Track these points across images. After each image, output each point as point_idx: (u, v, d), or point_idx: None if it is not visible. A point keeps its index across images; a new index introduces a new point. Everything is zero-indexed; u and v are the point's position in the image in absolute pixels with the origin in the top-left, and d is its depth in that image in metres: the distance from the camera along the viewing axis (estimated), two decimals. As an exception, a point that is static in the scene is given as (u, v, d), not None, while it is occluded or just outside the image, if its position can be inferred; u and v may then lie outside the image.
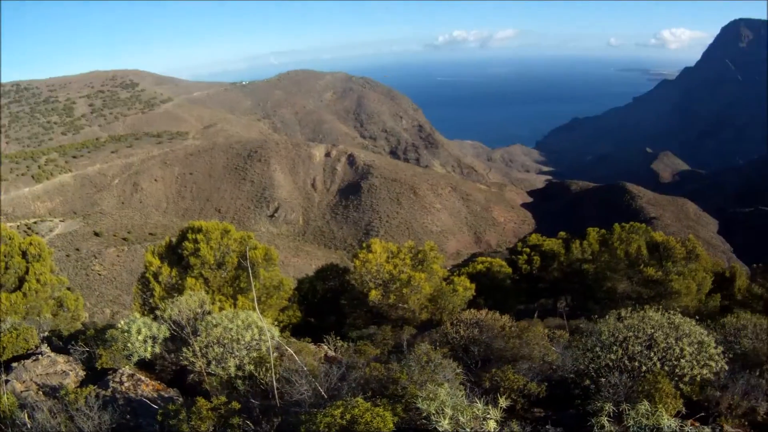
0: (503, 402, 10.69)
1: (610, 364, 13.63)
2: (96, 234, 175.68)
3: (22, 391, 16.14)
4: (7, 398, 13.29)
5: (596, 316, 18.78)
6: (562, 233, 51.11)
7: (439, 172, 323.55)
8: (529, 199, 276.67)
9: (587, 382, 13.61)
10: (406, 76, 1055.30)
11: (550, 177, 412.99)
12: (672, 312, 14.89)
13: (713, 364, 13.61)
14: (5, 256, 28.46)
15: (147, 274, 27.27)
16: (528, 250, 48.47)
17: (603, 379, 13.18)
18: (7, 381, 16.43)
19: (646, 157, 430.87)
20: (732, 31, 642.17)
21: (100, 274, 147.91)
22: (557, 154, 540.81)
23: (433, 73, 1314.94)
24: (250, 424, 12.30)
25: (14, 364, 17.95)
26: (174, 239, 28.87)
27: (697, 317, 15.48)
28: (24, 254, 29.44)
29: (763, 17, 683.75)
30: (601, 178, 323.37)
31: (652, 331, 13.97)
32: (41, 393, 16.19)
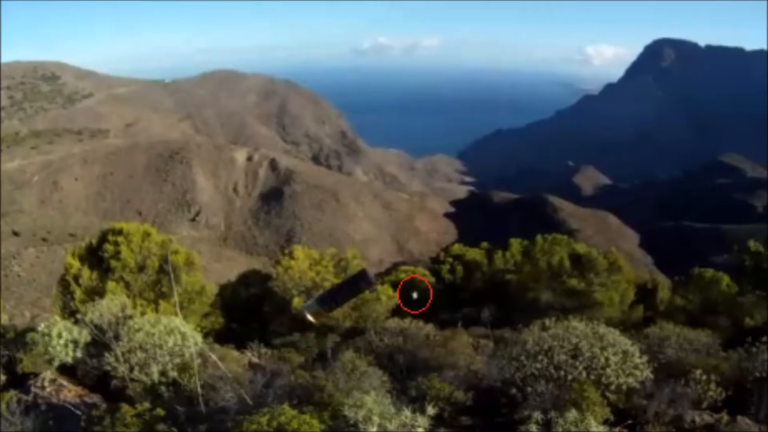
0: (431, 410, 10.75)
1: (536, 372, 13.75)
2: (15, 233, 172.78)
3: (-64, 396, 15.69)
4: None
5: (520, 325, 18.96)
6: (484, 244, 51.54)
7: (361, 180, 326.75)
8: (452, 210, 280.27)
9: (514, 390, 13.70)
10: (331, 81, 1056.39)
11: (472, 188, 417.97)
12: (596, 322, 15.10)
13: (638, 373, 13.81)
14: None
15: (67, 277, 26.89)
16: (451, 259, 48.59)
17: (529, 388, 13.29)
18: None
19: (568, 170, 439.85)
20: (655, 50, 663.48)
21: (19, 276, 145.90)
22: (480, 165, 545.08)
23: (357, 78, 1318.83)
24: (176, 431, 12.19)
25: (-74, 368, 17.52)
26: (94, 241, 28.46)
27: (621, 328, 15.79)
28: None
29: (686, 38, 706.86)
30: (524, 190, 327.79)
31: (577, 340, 14.11)
32: (-41, 398, 15.78)
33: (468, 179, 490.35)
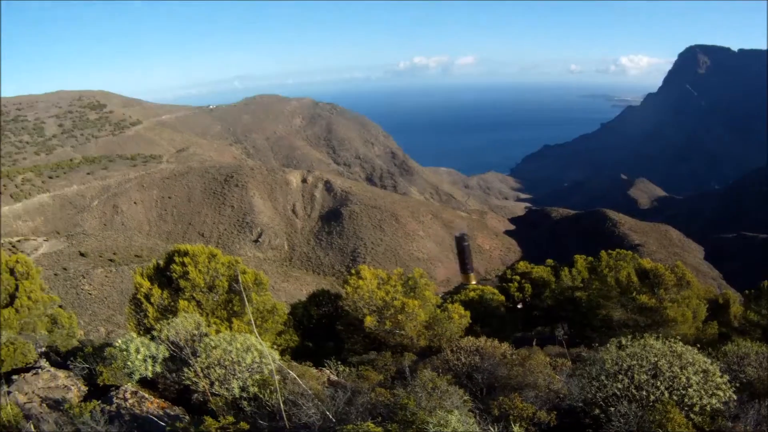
0: (518, 430, 10.65)
1: (618, 393, 13.47)
2: (81, 254, 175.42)
3: (24, 403, 16.14)
4: (11, 408, 13.21)
5: (596, 344, 18.65)
6: (549, 261, 51.17)
7: (417, 199, 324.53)
8: (512, 227, 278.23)
9: (597, 411, 13.42)
10: (371, 103, 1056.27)
11: (528, 204, 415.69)
12: (672, 340, 14.81)
13: (721, 393, 13.45)
14: (-7, 273, 28.34)
15: (138, 295, 26.81)
16: (518, 277, 48.23)
17: (612, 409, 13.04)
18: (9, 392, 16.42)
19: (622, 183, 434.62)
20: (689, 57, 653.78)
21: (90, 294, 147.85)
22: (532, 181, 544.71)
23: (397, 100, 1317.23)
24: None
25: (14, 377, 18.03)
26: (161, 262, 28.52)
27: (697, 345, 15.38)
28: (12, 272, 29.32)
29: (718, 43, 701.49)
30: (578, 205, 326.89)
31: (656, 359, 13.80)
32: (44, 405, 16.21)
33: (523, 195, 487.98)
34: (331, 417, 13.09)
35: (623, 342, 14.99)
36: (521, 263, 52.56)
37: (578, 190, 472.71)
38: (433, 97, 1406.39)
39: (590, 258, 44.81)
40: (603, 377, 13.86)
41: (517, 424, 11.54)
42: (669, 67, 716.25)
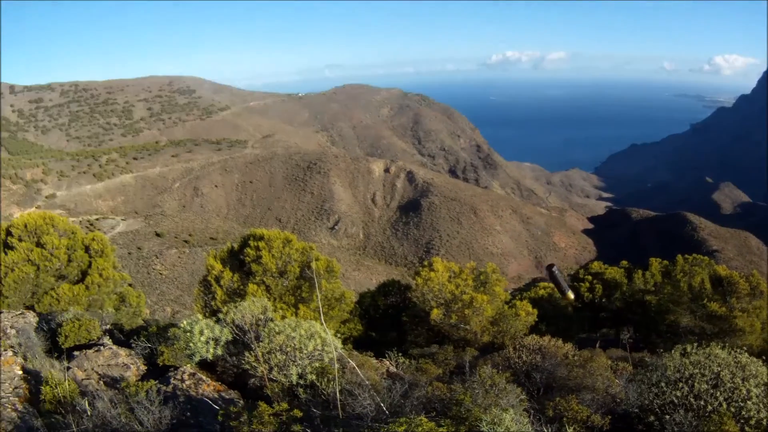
0: (571, 432, 10.57)
1: (675, 401, 13.17)
2: (157, 234, 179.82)
3: (82, 379, 16.40)
4: (69, 384, 13.42)
5: (661, 350, 18.40)
6: (624, 262, 50.14)
7: (498, 193, 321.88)
8: (590, 226, 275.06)
9: (651, 418, 13.20)
10: (461, 95, 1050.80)
11: (610, 204, 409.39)
12: (738, 351, 14.57)
13: (781, 408, 13.15)
14: (68, 250, 28.86)
15: (209, 277, 27.16)
16: (590, 277, 47.28)
17: (668, 417, 12.86)
18: (68, 368, 16.64)
19: (707, 187, 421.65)
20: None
21: (161, 274, 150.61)
22: (616, 180, 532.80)
23: (486, 93, 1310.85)
24: None
25: (76, 353, 18.33)
26: (236, 245, 28.72)
27: (762, 357, 15.15)
28: (87, 249, 29.83)
29: None
30: (661, 207, 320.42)
31: (719, 369, 13.56)
32: (102, 383, 16.48)
33: (605, 195, 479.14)
34: (385, 409, 13.05)
35: (688, 349, 14.78)
36: (595, 263, 51.51)
37: (662, 192, 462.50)
38: (522, 90, 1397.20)
39: (666, 261, 44.01)
40: (663, 384, 13.63)
41: (571, 428, 11.42)
42: (765, 67, 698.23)
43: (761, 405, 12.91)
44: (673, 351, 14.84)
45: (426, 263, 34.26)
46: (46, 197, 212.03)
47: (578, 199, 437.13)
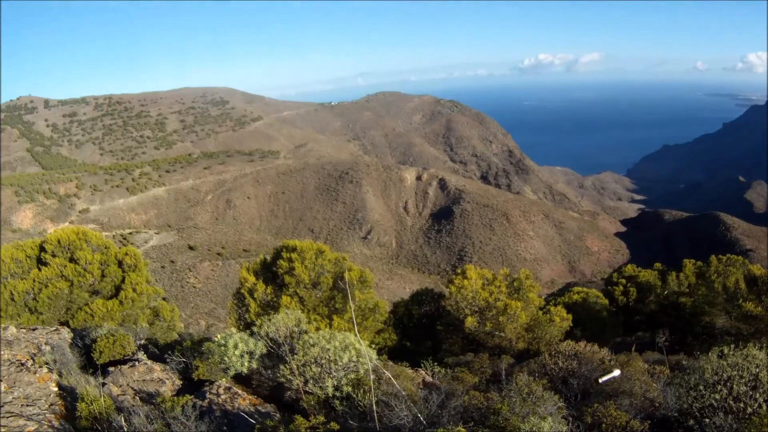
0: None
1: (714, 404, 12.97)
2: (190, 248, 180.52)
3: (118, 395, 16.41)
4: (104, 400, 13.44)
5: (697, 352, 18.23)
6: (657, 264, 49.77)
7: (530, 198, 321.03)
8: (623, 229, 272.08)
9: (691, 422, 13.00)
10: (493, 100, 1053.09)
11: (642, 206, 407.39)
12: (775, 351, 14.39)
13: (820, 410, 12.97)
14: (101, 265, 29.05)
15: (242, 290, 27.38)
16: (624, 281, 47.30)
17: (707, 420, 12.71)
18: (104, 384, 16.69)
19: (739, 186, 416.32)
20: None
21: (194, 287, 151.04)
22: (648, 182, 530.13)
23: (519, 96, 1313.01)
24: None
25: (111, 369, 18.26)
26: (268, 257, 28.90)
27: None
28: (120, 263, 30.01)
29: None
30: (694, 207, 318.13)
31: (757, 370, 13.42)
32: (138, 398, 16.44)
33: (637, 197, 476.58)
34: (422, 420, 12.91)
35: (725, 351, 14.62)
36: (628, 266, 51.34)
37: (694, 192, 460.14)
38: (555, 94, 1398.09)
39: (699, 263, 43.83)
40: (701, 387, 13.48)
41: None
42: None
43: (800, 406, 12.80)
44: (710, 353, 14.70)
45: (459, 271, 34.48)
46: (80, 212, 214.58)
47: (610, 202, 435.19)
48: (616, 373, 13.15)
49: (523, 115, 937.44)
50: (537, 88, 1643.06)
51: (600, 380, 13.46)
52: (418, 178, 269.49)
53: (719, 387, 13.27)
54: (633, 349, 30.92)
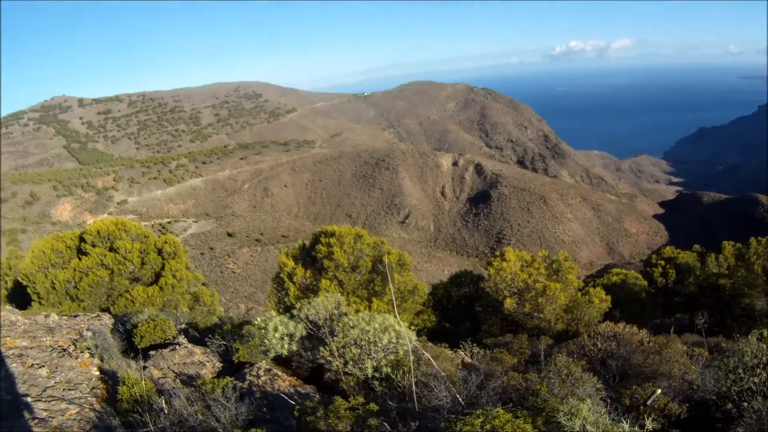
0: (650, 424, 10.38)
1: (753, 387, 12.84)
2: (229, 234, 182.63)
3: (159, 378, 16.63)
4: (145, 384, 13.63)
5: (737, 334, 18.07)
6: (696, 246, 49.37)
7: (568, 182, 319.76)
8: (661, 211, 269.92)
9: (729, 405, 12.89)
10: (526, 87, 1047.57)
11: (680, 188, 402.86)
12: (817, 334, 14.24)
13: None
14: (141, 253, 29.45)
15: (281, 275, 27.77)
16: (663, 262, 47.27)
17: (746, 404, 12.60)
18: (144, 368, 16.93)
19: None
20: None
21: (234, 272, 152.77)
22: (685, 164, 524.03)
23: (551, 83, 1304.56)
24: (387, 426, 12.10)
25: (152, 353, 18.59)
26: (307, 242, 29.26)
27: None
28: (159, 251, 30.42)
29: None
30: (732, 189, 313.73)
31: (797, 353, 13.32)
32: (178, 381, 16.65)
33: (675, 179, 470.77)
34: (461, 400, 12.88)
35: (765, 334, 14.49)
36: (667, 248, 51.05)
37: (732, 174, 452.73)
38: (587, 80, 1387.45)
39: (738, 244, 43.48)
40: (740, 370, 13.37)
41: (650, 417, 11.22)
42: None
43: (841, 388, 12.69)
44: (749, 336, 14.57)
45: (498, 253, 34.60)
46: (118, 203, 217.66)
47: (648, 184, 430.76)
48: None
49: (556, 101, 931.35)
50: (569, 75, 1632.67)
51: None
52: (455, 163, 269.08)
53: (758, 370, 13.15)
54: (672, 330, 30.61)
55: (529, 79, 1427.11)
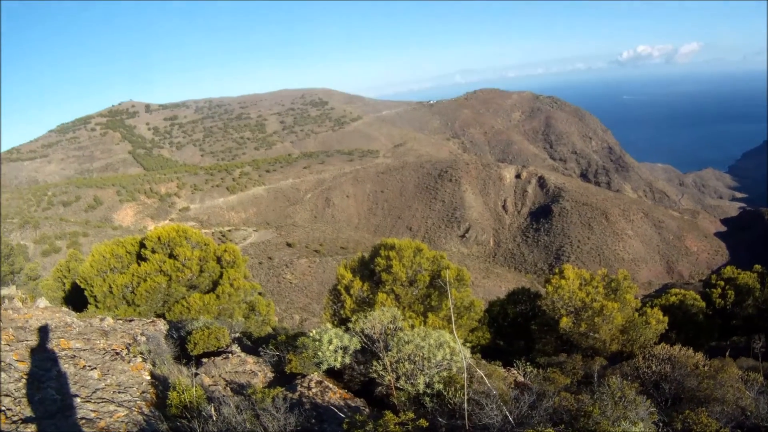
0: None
1: None
2: (288, 245, 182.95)
3: (209, 385, 16.98)
4: (196, 391, 13.86)
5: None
6: (757, 266, 48.83)
7: (630, 196, 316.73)
8: (723, 228, 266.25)
9: None
10: (592, 95, 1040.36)
11: (744, 204, 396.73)
12: None
13: None
14: (200, 261, 29.83)
15: (339, 287, 28.00)
16: (722, 283, 46.27)
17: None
18: (196, 374, 17.28)
19: None
20: None
21: (291, 283, 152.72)
22: (751, 179, 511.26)
23: (618, 90, 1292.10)
24: None
25: (204, 360, 19.07)
26: (366, 255, 29.50)
27: None
28: (219, 260, 30.83)
29: None
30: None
31: None
32: (228, 389, 16.98)
33: (739, 195, 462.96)
34: (511, 420, 12.91)
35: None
36: (728, 268, 50.06)
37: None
38: (654, 88, 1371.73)
39: (801, 265, 42.84)
40: (795, 397, 13.28)
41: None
42: None
43: None
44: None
45: (557, 270, 34.21)
46: (180, 210, 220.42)
47: (711, 200, 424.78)
48: None
49: (622, 109, 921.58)
50: (635, 81, 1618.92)
51: None
52: (518, 176, 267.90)
53: (815, 397, 13.10)
54: (727, 354, 30.26)
55: (596, 86, 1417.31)
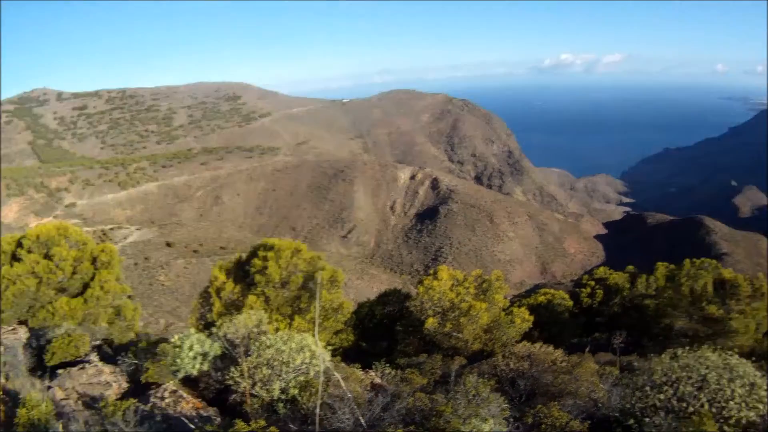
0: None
1: (658, 404, 13.19)
2: (168, 244, 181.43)
3: (61, 399, 16.34)
4: (45, 406, 13.32)
5: (651, 353, 18.38)
6: (630, 267, 49.93)
7: (519, 199, 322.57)
8: (604, 231, 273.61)
9: (631, 421, 13.30)
10: (508, 100, 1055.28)
11: (629, 209, 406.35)
12: (730, 352, 14.52)
13: (761, 406, 13.12)
14: (75, 262, 28.98)
15: (210, 289, 27.17)
16: (593, 283, 47.77)
17: (647, 419, 12.90)
18: (49, 387, 16.65)
19: (730, 190, 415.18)
20: None
21: (163, 285, 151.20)
22: (641, 185, 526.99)
23: (533, 97, 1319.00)
24: None
25: (60, 371, 18.38)
26: (244, 255, 28.84)
27: (753, 358, 15.09)
28: (94, 260, 29.88)
29: None
30: (682, 211, 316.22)
31: (706, 371, 13.54)
32: (80, 403, 16.36)
33: (626, 200, 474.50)
34: (363, 422, 13.07)
35: (678, 353, 14.76)
36: (601, 268, 51.37)
37: (686, 196, 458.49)
38: (570, 95, 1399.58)
39: (672, 266, 43.90)
40: (647, 388, 13.64)
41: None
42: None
43: (743, 405, 13.05)
44: (663, 354, 14.88)
45: (432, 271, 34.15)
46: (66, 206, 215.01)
47: (598, 204, 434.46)
48: None
49: (534, 115, 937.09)
50: (553, 89, 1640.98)
51: None
52: (412, 177, 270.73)
53: (665, 388, 13.51)
54: (587, 350, 30.92)
55: (515, 91, 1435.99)
